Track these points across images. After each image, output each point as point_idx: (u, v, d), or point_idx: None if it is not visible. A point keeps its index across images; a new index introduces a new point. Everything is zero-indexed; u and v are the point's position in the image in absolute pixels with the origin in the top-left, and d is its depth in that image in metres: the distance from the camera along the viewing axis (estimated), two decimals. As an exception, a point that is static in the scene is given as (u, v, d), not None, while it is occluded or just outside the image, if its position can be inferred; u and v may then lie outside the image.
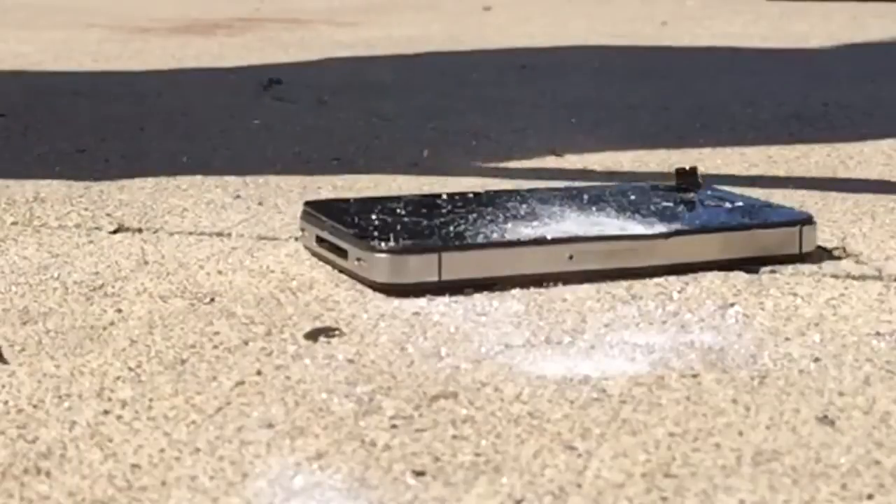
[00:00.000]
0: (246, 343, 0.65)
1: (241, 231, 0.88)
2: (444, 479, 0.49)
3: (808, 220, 0.80)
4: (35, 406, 0.57)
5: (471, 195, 0.86)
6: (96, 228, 0.89)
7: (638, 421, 0.55)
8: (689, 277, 0.76)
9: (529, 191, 0.89)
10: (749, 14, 2.86)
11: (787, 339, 0.66)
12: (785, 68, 1.89)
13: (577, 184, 0.96)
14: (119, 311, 0.70)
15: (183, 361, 0.62)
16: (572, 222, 0.79)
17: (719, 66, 1.89)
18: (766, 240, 0.79)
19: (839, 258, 0.81)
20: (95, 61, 1.92)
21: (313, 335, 0.66)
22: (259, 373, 0.61)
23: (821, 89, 1.61)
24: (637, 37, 2.31)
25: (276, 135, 1.28)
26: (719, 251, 0.78)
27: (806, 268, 0.78)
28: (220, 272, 0.78)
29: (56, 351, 0.64)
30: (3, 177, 1.05)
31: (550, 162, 1.14)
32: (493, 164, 1.13)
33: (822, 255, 0.80)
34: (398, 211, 0.80)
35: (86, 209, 0.94)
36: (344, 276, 0.76)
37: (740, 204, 0.85)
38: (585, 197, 0.86)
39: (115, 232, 0.88)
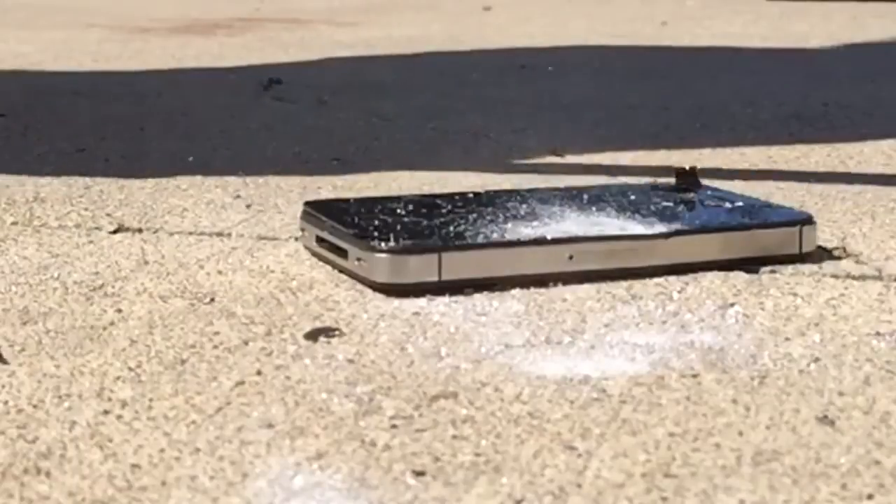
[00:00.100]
0: (246, 343, 0.65)
1: (241, 231, 0.88)
2: (444, 479, 0.49)
3: (808, 221, 0.80)
4: (35, 406, 0.57)
5: (471, 195, 0.86)
6: (96, 228, 0.89)
7: (638, 421, 0.55)
8: (689, 277, 0.76)
9: (529, 191, 0.89)
10: (749, 14, 2.86)
11: (787, 339, 0.66)
12: (785, 68, 1.89)
13: (577, 184, 0.96)
14: (119, 311, 0.70)
15: (183, 361, 0.62)
16: (572, 222, 0.79)
17: (719, 66, 1.89)
18: (765, 240, 0.79)
19: (839, 258, 0.81)
20: (95, 61, 1.92)
21: (313, 335, 0.66)
22: (259, 373, 0.61)
23: (821, 89, 1.61)
24: (637, 37, 2.31)
25: (276, 135, 1.28)
26: (719, 251, 0.78)
27: (806, 268, 0.78)
28: (220, 272, 0.78)
29: (56, 351, 0.64)
30: (3, 177, 1.05)
31: (550, 162, 1.14)
32: (493, 164, 1.13)
33: (822, 255, 0.80)
34: (398, 211, 0.80)
35: (86, 209, 0.94)
36: (344, 276, 0.76)
37: (740, 204, 0.84)
38: (585, 197, 0.86)
39: (115, 232, 0.88)
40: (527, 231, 0.76)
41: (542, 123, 1.35)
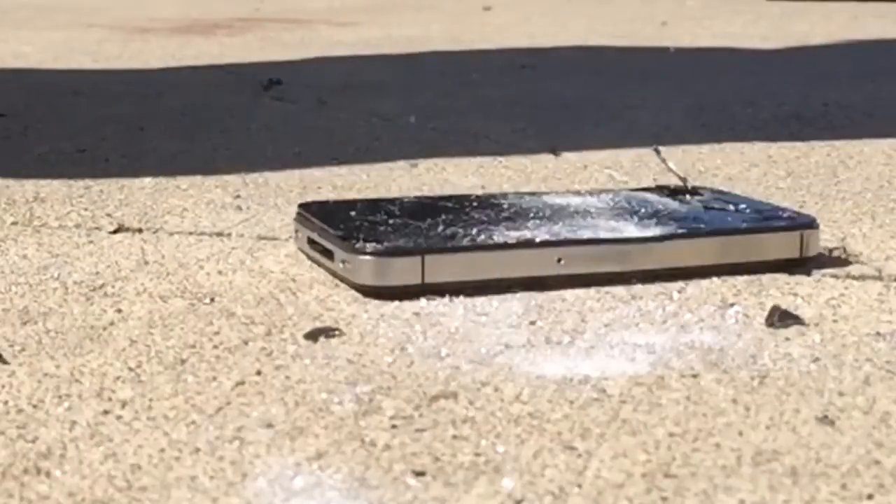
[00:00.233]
0: (246, 343, 0.65)
1: (241, 231, 0.88)
2: (444, 479, 0.49)
3: (810, 225, 0.79)
4: (35, 406, 0.57)
5: (464, 197, 0.86)
6: (96, 228, 0.89)
7: (638, 421, 0.55)
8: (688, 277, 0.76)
9: (525, 193, 0.89)
10: (749, 14, 2.86)
11: (787, 339, 0.66)
12: (785, 68, 1.89)
13: (576, 185, 0.96)
14: (119, 311, 0.70)
15: (183, 361, 0.62)
16: (565, 225, 0.78)
17: (719, 66, 1.89)
18: (765, 244, 0.78)
19: (839, 258, 0.81)
20: (95, 61, 1.92)
21: (313, 335, 0.66)
22: (259, 373, 0.61)
23: (821, 89, 1.61)
24: (637, 37, 2.31)
25: (276, 135, 1.28)
26: (716, 255, 0.76)
27: (806, 268, 0.78)
28: (220, 272, 0.78)
29: (56, 351, 0.64)
30: (3, 177, 1.05)
31: (550, 162, 1.14)
32: (492, 164, 1.13)
33: (821, 255, 0.80)
34: (388, 213, 0.80)
35: (86, 209, 0.94)
36: (342, 277, 0.76)
37: (744, 207, 0.83)
38: (584, 199, 0.85)
39: (115, 232, 0.88)
40: (516, 233, 0.75)
41: (542, 123, 1.35)
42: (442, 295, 0.72)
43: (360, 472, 0.50)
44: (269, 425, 0.55)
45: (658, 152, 0.95)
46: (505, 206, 0.82)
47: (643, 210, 0.82)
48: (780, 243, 0.78)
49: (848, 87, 1.65)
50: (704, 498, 0.48)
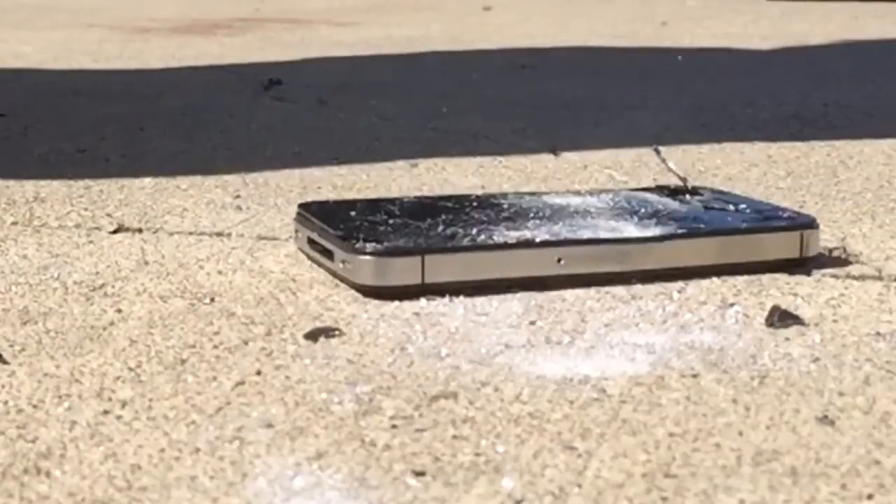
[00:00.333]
0: (246, 343, 0.65)
1: (241, 231, 0.88)
2: (444, 479, 0.49)
3: (810, 225, 0.79)
4: (35, 406, 0.57)
5: (464, 197, 0.86)
6: (96, 228, 0.89)
7: (638, 421, 0.55)
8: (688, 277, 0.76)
9: (525, 193, 0.89)
10: (749, 14, 2.86)
11: (787, 339, 0.66)
12: (785, 68, 1.89)
13: (576, 185, 0.96)
14: (119, 311, 0.70)
15: (183, 361, 0.62)
16: (565, 225, 0.78)
17: (719, 66, 1.89)
18: (765, 244, 0.77)
19: (839, 258, 0.81)
20: (95, 61, 1.92)
21: (313, 335, 0.66)
22: (259, 373, 0.61)
23: (821, 89, 1.62)
24: (637, 37, 2.31)
25: (276, 135, 1.28)
26: (716, 255, 0.76)
27: (806, 268, 0.78)
28: (220, 272, 0.78)
29: (56, 351, 0.64)
30: (3, 177, 1.05)
31: (550, 162, 1.14)
32: (492, 164, 1.13)
33: (821, 255, 0.80)
34: (388, 213, 0.80)
35: (86, 209, 0.94)
36: (343, 277, 0.76)
37: (744, 207, 0.83)
38: (584, 199, 0.85)
39: (115, 232, 0.88)
40: (516, 233, 0.75)
41: (541, 123, 1.35)
42: (442, 295, 0.72)
43: (360, 472, 0.50)
44: (269, 425, 0.55)
45: (658, 152, 0.95)
46: (505, 206, 0.82)
47: (643, 210, 0.82)
48: (780, 243, 0.78)
49: (848, 87, 1.65)
50: (704, 498, 0.48)
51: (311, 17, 2.80)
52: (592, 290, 0.73)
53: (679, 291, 0.74)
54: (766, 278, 0.76)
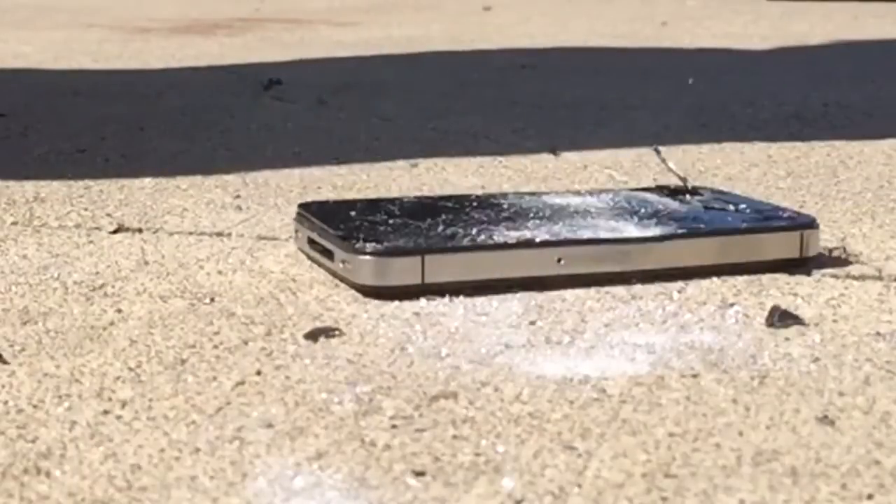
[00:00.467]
0: (246, 343, 0.65)
1: (241, 231, 0.88)
2: (444, 479, 0.49)
3: (810, 225, 0.79)
4: (35, 406, 0.57)
5: (464, 197, 0.86)
6: (96, 228, 0.89)
7: (638, 421, 0.55)
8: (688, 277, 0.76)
9: (524, 193, 0.89)
10: (749, 14, 2.86)
11: (787, 339, 0.66)
12: (785, 68, 1.89)
13: (576, 185, 0.96)
14: (119, 311, 0.70)
15: (183, 361, 0.62)
16: (565, 225, 0.78)
17: (719, 66, 1.89)
18: (765, 244, 0.77)
19: (839, 258, 0.81)
20: (95, 61, 1.92)
21: (313, 335, 0.66)
22: (259, 373, 0.61)
23: (821, 89, 1.62)
24: (637, 37, 2.31)
25: (276, 135, 1.28)
26: (716, 255, 0.76)
27: (806, 268, 0.78)
28: (220, 272, 0.78)
29: (56, 351, 0.64)
30: (3, 177, 1.05)
31: (550, 162, 1.14)
32: (492, 164, 1.13)
33: (821, 255, 0.80)
34: (388, 213, 0.80)
35: (86, 209, 0.94)
36: (343, 277, 0.76)
37: (744, 207, 0.83)
38: (584, 199, 0.85)
39: (115, 232, 0.88)
40: (516, 233, 0.75)
41: (541, 123, 1.35)
42: (442, 295, 0.72)
43: (360, 472, 0.50)
44: (269, 425, 0.55)
45: (658, 152, 0.95)
46: (505, 206, 0.82)
47: (643, 210, 0.82)
48: (780, 243, 0.78)
49: (848, 87, 1.65)
50: (704, 498, 0.48)
51: (311, 17, 2.80)
52: (592, 290, 0.73)
53: (679, 291, 0.74)
54: (766, 278, 0.76)
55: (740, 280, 0.76)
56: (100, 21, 2.67)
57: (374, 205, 0.83)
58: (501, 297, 0.72)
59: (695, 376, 0.60)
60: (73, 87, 1.61)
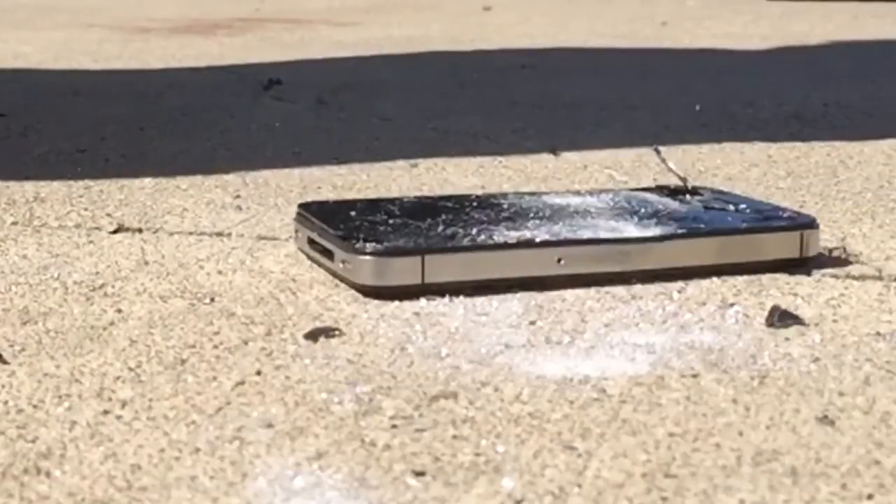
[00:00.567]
0: (246, 343, 0.65)
1: (241, 231, 0.88)
2: (444, 479, 0.49)
3: (810, 225, 0.79)
4: (35, 406, 0.57)
5: (464, 197, 0.86)
6: (96, 228, 0.89)
7: (638, 421, 0.55)
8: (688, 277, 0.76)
9: (524, 193, 0.89)
10: (749, 14, 2.86)
11: (787, 339, 0.66)
12: (785, 68, 1.89)
13: (576, 185, 0.96)
14: (119, 311, 0.70)
15: (183, 361, 0.62)
16: (565, 225, 0.77)
17: (719, 66, 1.89)
18: (765, 244, 0.77)
19: (839, 258, 0.81)
20: (95, 61, 1.92)
21: (313, 335, 0.66)
22: (259, 373, 0.61)
23: (821, 89, 1.62)
24: (637, 37, 2.32)
25: (276, 135, 1.28)
26: (716, 255, 0.76)
27: (806, 268, 0.78)
28: (220, 272, 0.78)
29: (56, 351, 0.64)
30: (3, 177, 1.05)
31: (550, 162, 1.14)
32: (492, 164, 1.13)
33: (821, 255, 0.80)
34: (388, 213, 0.80)
35: (86, 209, 0.94)
36: (343, 277, 0.76)
37: (744, 207, 0.83)
38: (583, 199, 0.85)
39: (115, 232, 0.88)
40: (516, 233, 0.75)
41: (541, 123, 1.35)
42: (442, 295, 0.72)
43: (360, 472, 0.50)
44: (269, 425, 0.55)
45: (658, 152, 0.95)
46: (505, 206, 0.82)
47: (643, 210, 0.82)
48: (780, 243, 0.78)
49: (848, 87, 1.65)
50: (704, 498, 0.48)
51: (311, 17, 2.80)
52: (592, 290, 0.73)
53: (679, 291, 0.74)
54: (766, 278, 0.76)
55: (740, 280, 0.76)
56: (100, 21, 2.67)
57: (374, 205, 0.83)
58: (501, 297, 0.72)
59: (695, 376, 0.60)
60: (73, 87, 1.61)
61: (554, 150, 1.19)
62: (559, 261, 0.74)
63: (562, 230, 0.76)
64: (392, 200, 0.85)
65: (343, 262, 0.73)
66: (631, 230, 0.77)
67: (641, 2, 3.23)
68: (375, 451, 0.52)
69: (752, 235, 0.78)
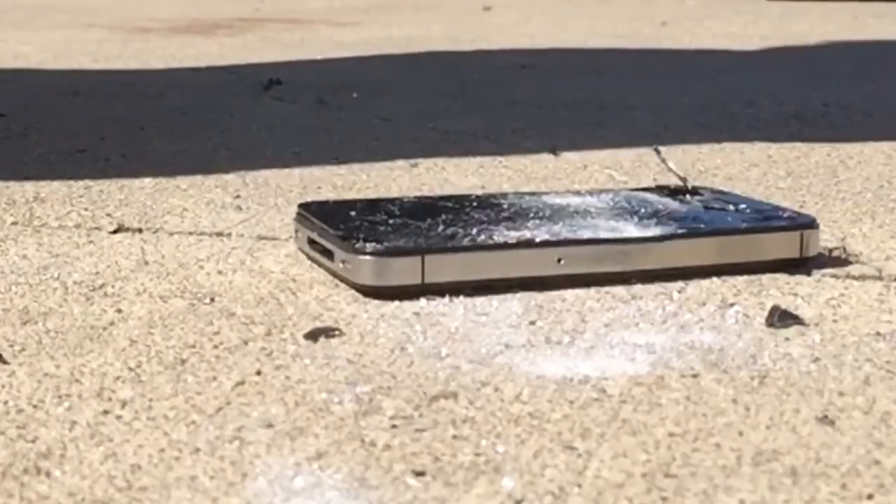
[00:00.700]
0: (246, 343, 0.65)
1: (241, 231, 0.88)
2: (444, 479, 0.49)
3: (810, 225, 0.79)
4: (35, 406, 0.57)
5: (464, 197, 0.86)
6: (96, 228, 0.89)
7: (638, 421, 0.55)
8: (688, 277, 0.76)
9: (524, 193, 0.89)
10: (749, 14, 2.86)
11: (787, 339, 0.66)
12: (785, 68, 1.89)
13: (576, 185, 0.96)
14: (119, 311, 0.70)
15: (183, 361, 0.62)
16: (565, 225, 0.78)
17: (719, 67, 1.89)
18: (765, 244, 0.77)
19: (839, 258, 0.81)
20: (95, 61, 1.92)
21: (313, 335, 0.66)
22: (259, 373, 0.61)
23: (821, 89, 1.62)
24: (637, 37, 2.32)
25: (276, 135, 1.28)
26: (716, 255, 0.76)
27: (806, 268, 0.78)
28: (220, 272, 0.78)
29: (56, 351, 0.64)
30: (3, 177, 1.05)
31: (550, 162, 1.14)
32: (492, 164, 1.13)
33: (821, 255, 0.80)
34: (388, 213, 0.80)
35: (86, 209, 0.94)
36: (343, 277, 0.76)
37: (744, 207, 0.83)
38: (583, 199, 0.85)
39: (115, 232, 0.88)
40: (516, 233, 0.75)
41: (541, 123, 1.35)
42: (442, 295, 0.72)
43: (360, 472, 0.50)
44: (269, 425, 0.55)
45: (658, 152, 0.95)
46: (505, 206, 0.82)
47: (643, 210, 0.82)
48: (780, 243, 0.78)
49: (848, 87, 1.65)
50: (704, 498, 0.48)
51: (311, 17, 2.80)
52: (592, 290, 0.73)
53: (679, 291, 0.74)
54: (766, 278, 0.76)
55: (740, 280, 0.76)
56: (100, 21, 2.66)
57: (374, 205, 0.83)
58: (501, 297, 0.72)
59: (695, 376, 0.60)
60: (73, 87, 1.61)
61: (554, 150, 1.19)
62: (559, 261, 0.74)
63: (562, 230, 0.76)
64: (392, 200, 0.85)
65: (343, 262, 0.73)
66: (631, 230, 0.77)
67: (641, 2, 3.23)
68: (375, 451, 0.52)
69: (752, 235, 0.78)
